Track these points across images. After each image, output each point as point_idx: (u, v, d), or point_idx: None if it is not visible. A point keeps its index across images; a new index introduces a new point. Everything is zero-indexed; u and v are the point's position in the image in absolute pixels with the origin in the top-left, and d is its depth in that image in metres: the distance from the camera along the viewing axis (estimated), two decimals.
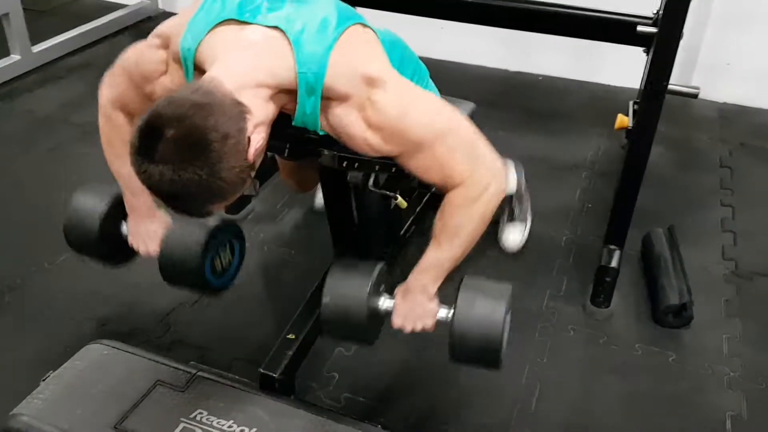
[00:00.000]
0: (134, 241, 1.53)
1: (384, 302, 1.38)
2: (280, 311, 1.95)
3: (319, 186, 2.32)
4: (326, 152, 1.28)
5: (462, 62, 3.45)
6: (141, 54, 1.30)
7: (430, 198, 2.25)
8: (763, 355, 1.87)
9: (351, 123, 1.18)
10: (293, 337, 1.60)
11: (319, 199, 2.34)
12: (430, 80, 1.61)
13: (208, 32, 1.17)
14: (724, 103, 3.18)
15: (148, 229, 1.51)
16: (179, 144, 1.01)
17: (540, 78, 3.38)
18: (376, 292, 1.36)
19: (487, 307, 1.29)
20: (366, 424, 1.46)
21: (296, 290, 1.97)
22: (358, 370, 1.79)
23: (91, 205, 1.51)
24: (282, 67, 1.14)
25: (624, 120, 1.92)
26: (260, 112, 1.11)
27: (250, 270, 2.11)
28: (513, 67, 3.42)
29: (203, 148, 1.01)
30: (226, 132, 1.03)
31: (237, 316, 1.96)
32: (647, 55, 2.49)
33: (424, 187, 2.20)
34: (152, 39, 1.28)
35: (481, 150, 1.27)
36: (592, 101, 3.19)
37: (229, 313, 1.96)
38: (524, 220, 2.17)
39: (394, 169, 1.51)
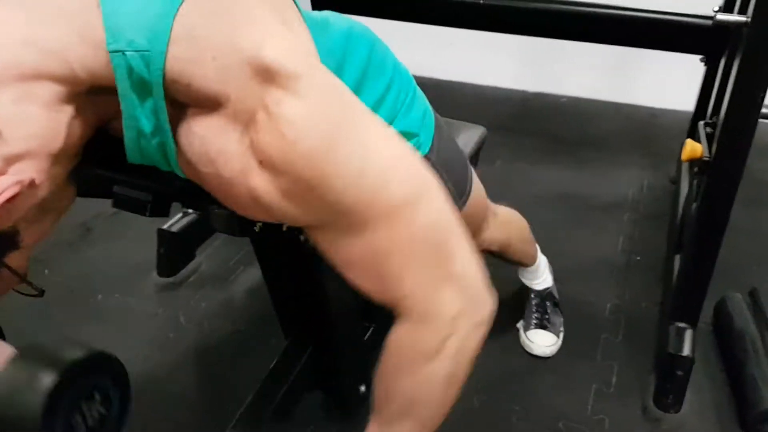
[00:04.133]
0: None
1: None
2: (216, 419, 1.39)
3: None
4: (217, 210, 0.71)
5: (471, 83, 2.93)
6: None
7: None
8: None
9: (225, 153, 0.61)
10: None
11: None
12: (421, 100, 1.06)
13: None
14: None
15: None
16: None
17: (564, 100, 2.83)
18: None
19: None
20: None
21: (241, 387, 1.42)
22: None
23: None
24: (80, 41, 0.58)
25: (696, 147, 1.36)
26: (23, 131, 0.57)
27: (181, 357, 1.56)
28: (532, 87, 2.88)
29: None
30: None
31: (156, 427, 1.40)
32: (706, 64, 1.98)
33: None
34: None
35: (452, 247, 0.72)
36: (629, 126, 2.64)
37: (146, 421, 1.40)
38: (557, 333, 1.58)
39: None
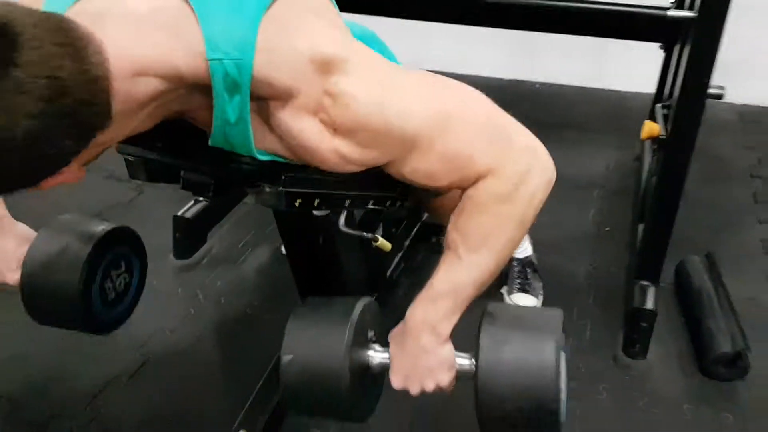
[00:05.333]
0: None
1: (375, 356, 0.98)
2: (239, 384, 1.56)
3: None
4: (268, 188, 0.89)
5: (452, 72, 3.08)
6: None
7: (421, 228, 1.89)
8: None
9: (305, 131, 0.81)
10: None
11: None
12: None
13: (75, 3, 0.78)
14: (744, 105, 2.84)
15: (3, 248, 1.13)
16: None
17: (538, 86, 3.03)
18: (361, 342, 0.96)
19: (529, 348, 0.89)
20: None
21: (260, 355, 1.59)
22: None
23: None
24: (180, 49, 0.76)
25: (654, 127, 1.56)
26: (115, 125, 0.73)
27: (201, 330, 1.73)
28: (508, 75, 3.07)
29: (11, 43, 0.62)
30: (55, 51, 0.64)
31: (184, 392, 1.57)
32: (665, 51, 2.17)
33: (413, 216, 1.88)
34: None
35: (509, 129, 0.90)
36: (598, 109, 2.85)
37: (174, 388, 1.57)
38: (537, 296, 1.78)
39: (371, 202, 1.15)
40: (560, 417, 0.89)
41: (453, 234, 0.93)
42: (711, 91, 1.54)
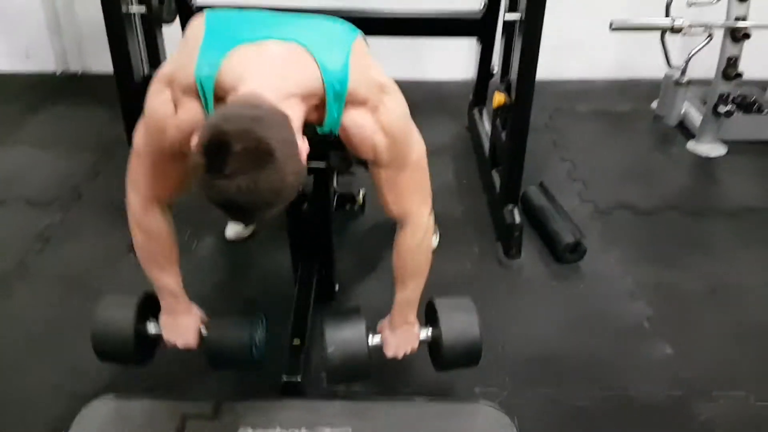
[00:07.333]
0: (171, 337, 1.58)
1: (373, 340, 1.58)
2: None
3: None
4: (334, 153, 1.39)
5: None
6: (153, 111, 1.31)
7: (339, 199, 2.37)
8: (646, 268, 2.29)
9: (365, 125, 1.30)
10: (299, 342, 1.66)
11: (230, 228, 2.36)
12: None
13: (225, 58, 1.21)
14: None
15: (186, 324, 1.58)
16: (250, 156, 1.06)
17: None
18: (368, 334, 1.55)
19: (465, 321, 1.57)
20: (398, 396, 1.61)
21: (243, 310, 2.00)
22: None
23: (121, 314, 1.55)
24: (309, 77, 1.23)
25: (502, 97, 2.23)
26: (296, 120, 1.19)
27: None
28: None
29: (271, 156, 1.07)
30: (285, 138, 1.11)
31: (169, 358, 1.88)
32: (480, 44, 2.86)
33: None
34: (156, 85, 1.30)
35: (429, 192, 1.49)
36: (428, 96, 3.48)
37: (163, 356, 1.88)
38: (435, 233, 2.32)
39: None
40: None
41: (398, 270, 1.53)
42: None
